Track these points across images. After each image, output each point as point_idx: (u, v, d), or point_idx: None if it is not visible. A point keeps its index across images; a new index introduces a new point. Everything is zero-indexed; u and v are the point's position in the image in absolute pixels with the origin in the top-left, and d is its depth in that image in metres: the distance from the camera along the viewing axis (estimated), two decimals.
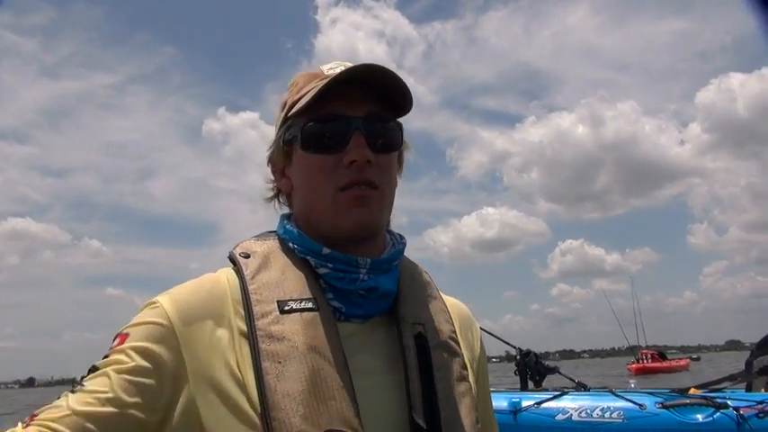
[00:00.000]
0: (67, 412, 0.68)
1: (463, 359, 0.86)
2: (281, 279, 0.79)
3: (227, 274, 0.81)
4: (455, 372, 0.82)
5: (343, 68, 0.83)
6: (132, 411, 0.70)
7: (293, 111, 0.83)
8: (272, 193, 0.92)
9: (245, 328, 0.75)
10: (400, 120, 0.87)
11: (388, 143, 0.84)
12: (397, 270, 0.86)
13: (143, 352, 0.72)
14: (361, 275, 0.80)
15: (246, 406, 0.71)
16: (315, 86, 0.81)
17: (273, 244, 0.85)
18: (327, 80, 0.80)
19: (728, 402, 4.16)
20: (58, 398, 0.72)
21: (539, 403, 4.66)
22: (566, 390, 4.94)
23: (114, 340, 0.75)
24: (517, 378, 5.31)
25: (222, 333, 0.75)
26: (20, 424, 0.70)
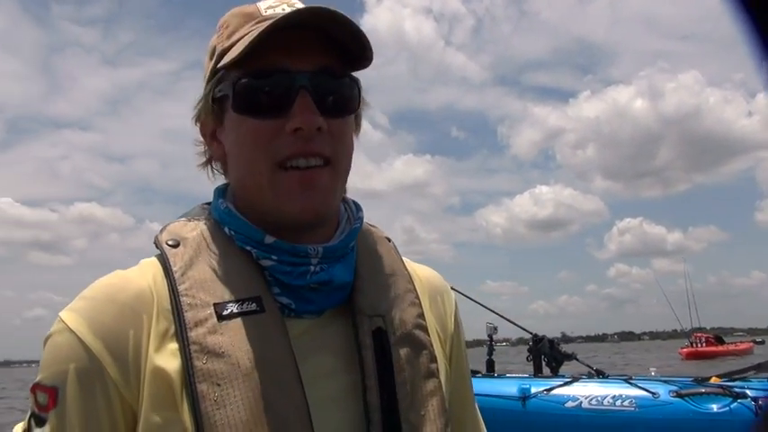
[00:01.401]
0: None
1: (432, 348, 0.72)
2: (218, 275, 0.66)
3: (152, 273, 0.67)
4: (421, 369, 0.69)
5: (286, 8, 0.68)
6: None
7: (223, 61, 0.67)
8: (203, 159, 0.77)
9: (175, 342, 0.62)
10: (357, 74, 0.71)
11: (343, 104, 0.68)
12: (354, 252, 0.73)
13: (81, 411, 0.61)
14: (312, 267, 0.67)
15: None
16: (250, 31, 0.66)
17: (207, 227, 0.71)
18: (266, 25, 0.63)
19: (747, 392, 3.96)
20: None
21: (549, 390, 4.57)
22: (579, 376, 4.82)
23: (38, 393, 0.63)
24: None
25: (150, 352, 0.62)
26: None
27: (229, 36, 0.69)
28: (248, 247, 0.67)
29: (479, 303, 5.79)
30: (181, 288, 0.64)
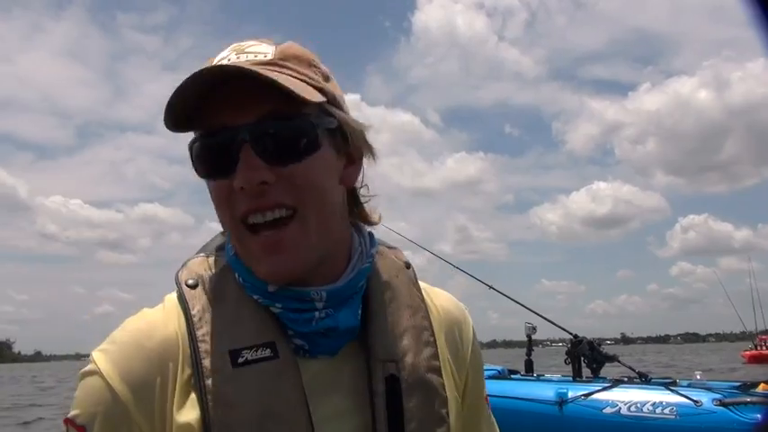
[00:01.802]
0: None
1: (444, 392, 0.72)
2: (234, 319, 0.66)
3: (176, 316, 0.68)
4: (432, 415, 0.70)
5: (233, 55, 0.67)
6: None
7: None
8: None
9: (194, 391, 0.64)
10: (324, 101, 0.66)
11: (294, 147, 0.64)
12: (362, 291, 0.72)
13: None
14: (317, 313, 0.67)
15: None
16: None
17: (222, 269, 0.70)
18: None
19: None
20: None
21: (587, 394, 4.48)
22: (620, 380, 4.69)
23: (70, 428, 0.66)
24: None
25: (175, 401, 0.64)
26: None
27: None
28: (255, 296, 0.67)
29: (520, 304, 5.72)
30: (198, 333, 0.65)
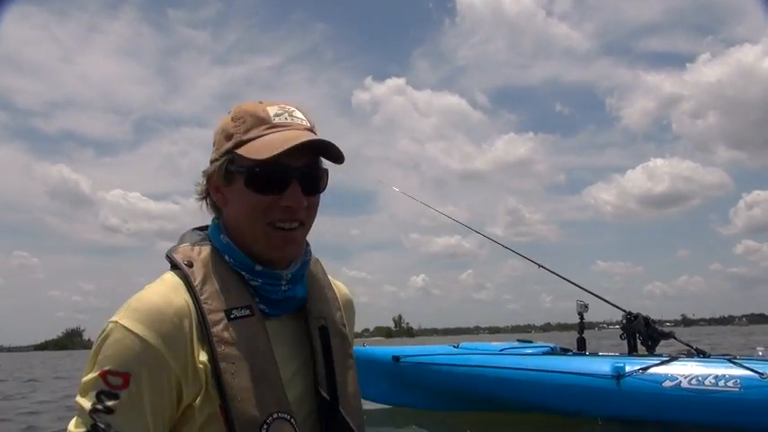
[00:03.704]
0: None
1: (349, 340, 1.12)
2: (223, 289, 0.96)
3: (182, 288, 0.94)
4: (345, 353, 1.08)
5: (287, 118, 1.00)
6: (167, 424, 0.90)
7: (240, 150, 0.97)
8: (201, 195, 1.08)
9: (201, 334, 0.92)
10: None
11: (318, 188, 1.03)
12: (305, 275, 1.07)
13: (151, 388, 0.87)
14: (283, 287, 1.00)
15: (212, 398, 0.90)
16: (264, 135, 0.97)
17: (208, 253, 1.00)
18: (277, 133, 0.97)
19: None
20: None
21: (644, 368, 4.41)
22: (677, 356, 4.60)
23: (110, 377, 0.86)
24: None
25: (190, 341, 0.91)
26: None
27: (246, 131, 0.99)
28: (243, 272, 0.99)
29: (570, 281, 5.66)
30: (201, 298, 0.94)
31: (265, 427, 0.90)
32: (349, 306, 1.20)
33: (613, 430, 4.42)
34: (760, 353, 5.07)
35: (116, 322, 0.89)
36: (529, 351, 5.30)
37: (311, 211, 1.02)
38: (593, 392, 4.52)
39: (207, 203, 1.08)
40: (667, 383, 4.26)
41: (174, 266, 0.99)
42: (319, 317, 1.05)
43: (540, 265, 5.71)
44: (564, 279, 5.72)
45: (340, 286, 1.19)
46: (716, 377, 4.15)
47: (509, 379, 4.86)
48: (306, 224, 1.02)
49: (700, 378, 4.20)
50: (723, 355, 4.69)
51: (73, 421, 0.87)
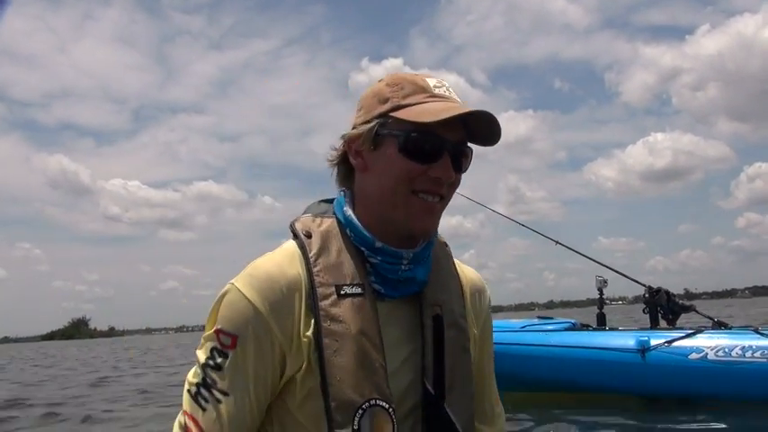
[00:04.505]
0: (227, 420, 0.88)
1: (468, 334, 1.03)
2: (337, 263, 0.93)
3: (297, 259, 0.93)
4: (460, 347, 1.00)
5: (445, 91, 0.96)
6: (269, 394, 0.91)
7: (397, 113, 0.93)
8: (334, 161, 1.03)
9: (310, 305, 0.90)
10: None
11: (465, 166, 0.98)
12: (430, 257, 1.01)
13: (256, 353, 0.88)
14: (403, 266, 0.95)
15: (314, 373, 0.88)
16: (425, 102, 0.93)
17: (331, 225, 0.98)
18: (440, 103, 0.93)
19: None
20: (197, 403, 0.89)
21: (669, 342, 4.41)
22: (700, 329, 4.59)
23: (222, 336, 0.89)
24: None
25: (298, 313, 0.90)
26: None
27: (404, 97, 0.94)
28: (362, 248, 0.95)
29: (588, 257, 5.65)
30: (314, 270, 0.92)
31: (360, 412, 0.86)
32: (479, 294, 1.11)
33: (641, 405, 4.43)
34: None
35: (233, 284, 0.91)
36: (550, 327, 5.30)
37: (453, 189, 0.98)
38: (619, 367, 4.53)
39: (337, 171, 1.03)
40: (693, 356, 4.27)
41: (296, 236, 0.97)
42: (435, 305, 0.98)
43: (557, 242, 5.69)
44: (582, 255, 5.70)
45: (468, 273, 1.11)
46: (742, 348, 4.16)
47: (533, 356, 4.86)
48: (445, 200, 0.97)
49: (726, 350, 4.21)
50: (746, 327, 4.70)
51: (192, 371, 0.93)
